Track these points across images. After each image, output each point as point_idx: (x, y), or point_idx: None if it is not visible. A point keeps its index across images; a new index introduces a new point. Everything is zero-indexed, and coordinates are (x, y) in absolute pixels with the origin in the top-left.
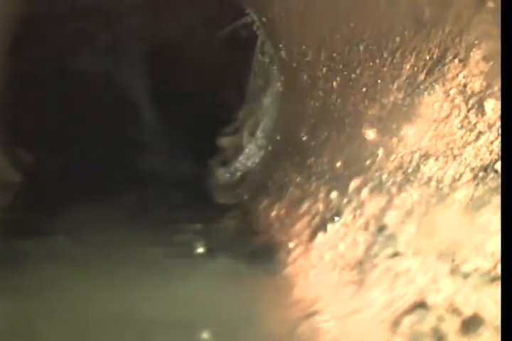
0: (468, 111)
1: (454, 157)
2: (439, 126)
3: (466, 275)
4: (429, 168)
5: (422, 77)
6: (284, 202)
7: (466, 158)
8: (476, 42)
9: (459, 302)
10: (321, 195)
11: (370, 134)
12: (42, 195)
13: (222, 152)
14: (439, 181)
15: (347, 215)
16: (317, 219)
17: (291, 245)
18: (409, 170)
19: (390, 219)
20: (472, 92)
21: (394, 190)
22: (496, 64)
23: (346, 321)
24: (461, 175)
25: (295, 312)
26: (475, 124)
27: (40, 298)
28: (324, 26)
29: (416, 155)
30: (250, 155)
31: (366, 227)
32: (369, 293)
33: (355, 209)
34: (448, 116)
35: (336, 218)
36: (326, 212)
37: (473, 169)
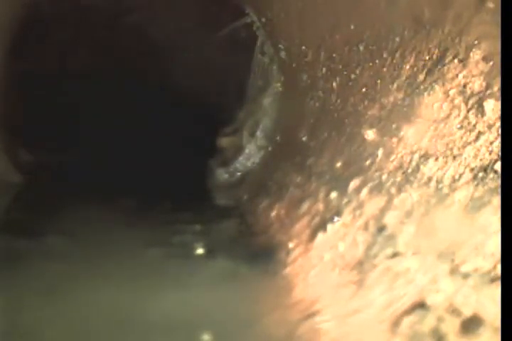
0: (468, 111)
1: (454, 157)
2: (439, 127)
3: (465, 276)
4: (429, 168)
5: (421, 77)
6: (284, 202)
7: (465, 158)
8: (476, 42)
9: (459, 302)
10: (321, 195)
11: (370, 134)
12: (42, 195)
13: (222, 152)
14: (438, 181)
15: (347, 215)
16: (317, 219)
17: (291, 245)
18: (409, 171)
19: (390, 219)
20: (472, 92)
21: (393, 190)
22: (496, 64)
23: (346, 321)
24: (460, 176)
25: (295, 313)
26: (475, 124)
27: (39, 298)
28: (324, 26)
29: (416, 156)
30: (250, 155)
31: (366, 227)
32: (369, 293)
33: (355, 209)
34: (448, 117)
35: (336, 218)
36: (326, 212)
37: (472, 169)
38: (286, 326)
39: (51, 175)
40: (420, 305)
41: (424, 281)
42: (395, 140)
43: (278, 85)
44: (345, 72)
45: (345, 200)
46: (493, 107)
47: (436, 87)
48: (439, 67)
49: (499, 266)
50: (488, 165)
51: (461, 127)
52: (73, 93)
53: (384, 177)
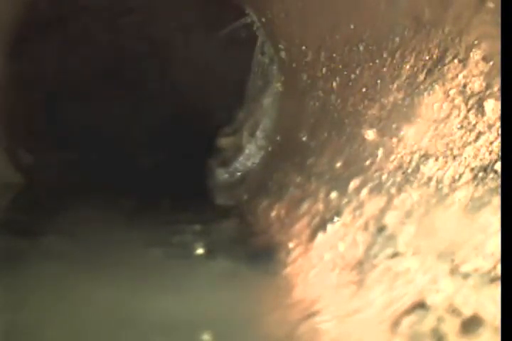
0: (468, 111)
1: (454, 157)
2: (439, 127)
3: (465, 276)
4: (429, 168)
5: (421, 77)
6: (284, 202)
7: (465, 158)
8: (476, 42)
9: (459, 302)
10: (321, 195)
11: (370, 134)
12: (42, 194)
13: (222, 152)
14: (438, 181)
15: (347, 215)
16: (317, 219)
17: (291, 245)
18: (409, 171)
19: (390, 219)
20: (472, 92)
21: (393, 190)
22: (496, 64)
23: (346, 321)
24: (460, 176)
25: (295, 313)
26: (475, 124)
27: (39, 298)
28: (324, 26)
29: (416, 156)
30: (250, 155)
31: (366, 227)
32: (369, 293)
33: (355, 209)
34: (448, 117)
35: (336, 218)
36: (326, 212)
37: (472, 169)
38: (286, 326)
39: (51, 175)
40: (420, 305)
41: (424, 281)
42: (395, 140)
43: (278, 85)
44: (345, 72)
45: (345, 200)
46: (493, 107)
47: (436, 87)
48: (439, 67)
49: (499, 266)
50: (488, 165)
51: (461, 127)
52: (73, 93)
53: (384, 177)
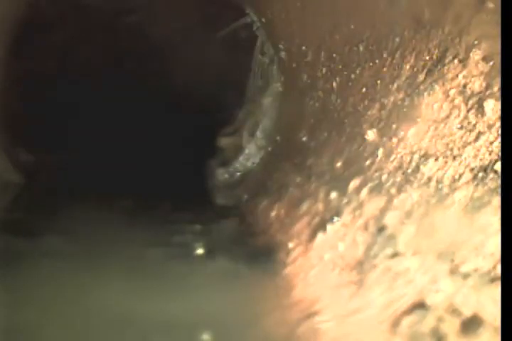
0: (468, 111)
1: (454, 157)
2: (439, 127)
3: (465, 276)
4: (429, 168)
5: (421, 77)
6: (284, 202)
7: (465, 158)
8: (476, 42)
9: (459, 302)
10: (321, 195)
11: (370, 134)
12: (41, 194)
13: (222, 152)
14: (438, 181)
15: (347, 215)
16: (317, 220)
17: (290, 245)
18: (409, 171)
19: (390, 219)
20: (472, 93)
21: (393, 190)
22: (496, 64)
23: (346, 321)
24: (460, 176)
25: (295, 313)
26: (475, 125)
27: (38, 298)
28: (324, 26)
29: (416, 156)
30: (250, 155)
31: (366, 228)
32: (369, 293)
33: (355, 209)
34: (448, 117)
35: (336, 218)
36: (326, 212)
37: (472, 169)
38: (286, 326)
39: (51, 175)
40: (420, 305)
41: (424, 281)
42: (395, 140)
43: (278, 85)
44: (345, 72)
45: (345, 200)
46: (493, 107)
47: (436, 87)
48: (439, 67)
49: (499, 266)
50: (488, 165)
51: (461, 127)
52: (73, 93)
53: (384, 177)
